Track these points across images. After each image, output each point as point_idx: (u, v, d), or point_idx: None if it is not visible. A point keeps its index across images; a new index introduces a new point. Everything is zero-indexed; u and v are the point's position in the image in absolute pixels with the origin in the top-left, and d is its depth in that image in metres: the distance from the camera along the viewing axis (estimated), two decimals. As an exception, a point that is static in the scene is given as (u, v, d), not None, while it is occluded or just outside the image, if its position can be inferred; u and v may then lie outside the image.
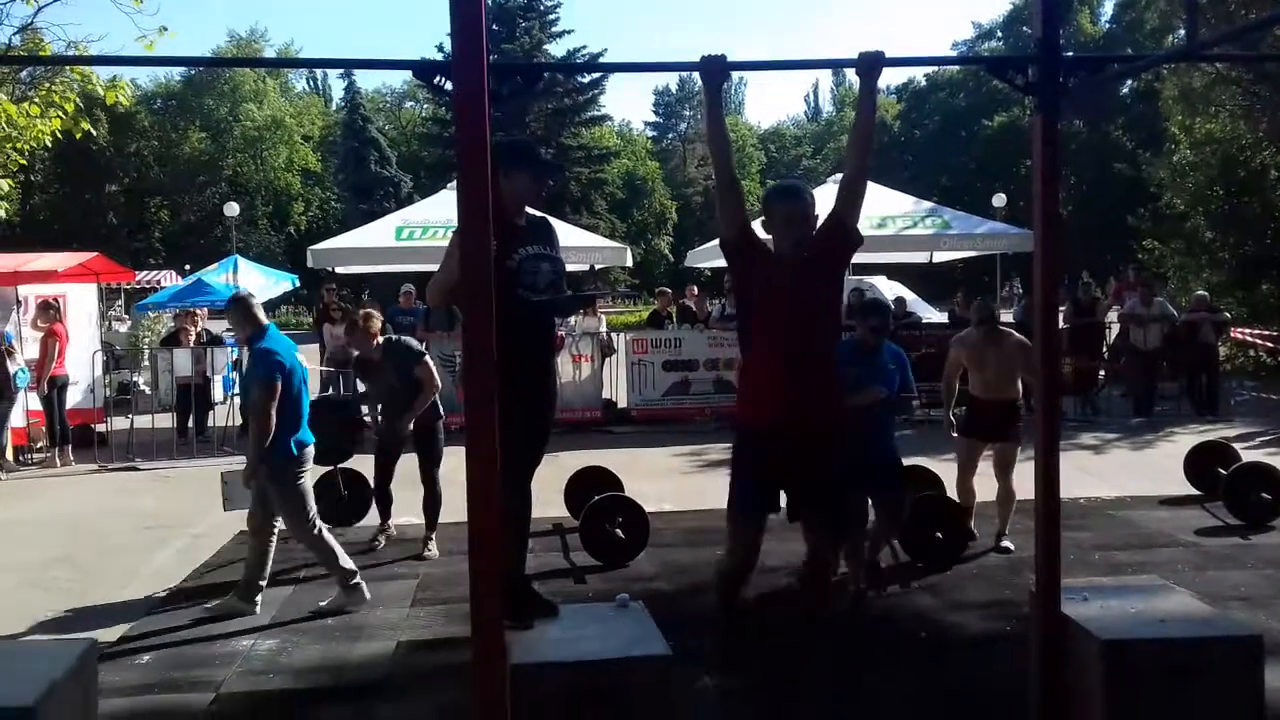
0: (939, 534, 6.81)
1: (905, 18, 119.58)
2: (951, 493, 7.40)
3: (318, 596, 6.31)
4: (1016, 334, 7.37)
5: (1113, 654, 3.72)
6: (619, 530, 6.96)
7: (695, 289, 17.25)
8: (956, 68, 58.71)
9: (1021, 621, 4.93)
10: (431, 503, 7.49)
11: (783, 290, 4.12)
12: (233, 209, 32.54)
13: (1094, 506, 8.43)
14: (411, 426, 7.42)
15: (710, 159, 4.55)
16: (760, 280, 4.20)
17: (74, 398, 12.44)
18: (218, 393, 14.38)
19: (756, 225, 4.32)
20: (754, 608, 4.75)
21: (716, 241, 19.28)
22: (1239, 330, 17.51)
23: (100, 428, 12.86)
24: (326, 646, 5.59)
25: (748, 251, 4.25)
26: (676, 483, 9.97)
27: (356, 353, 7.62)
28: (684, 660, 4.17)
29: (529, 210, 4.42)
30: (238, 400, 13.87)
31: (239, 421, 13.38)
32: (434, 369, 7.55)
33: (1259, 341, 17.39)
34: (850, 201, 4.26)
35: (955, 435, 7.36)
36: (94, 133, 22.56)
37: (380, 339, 7.58)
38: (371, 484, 7.81)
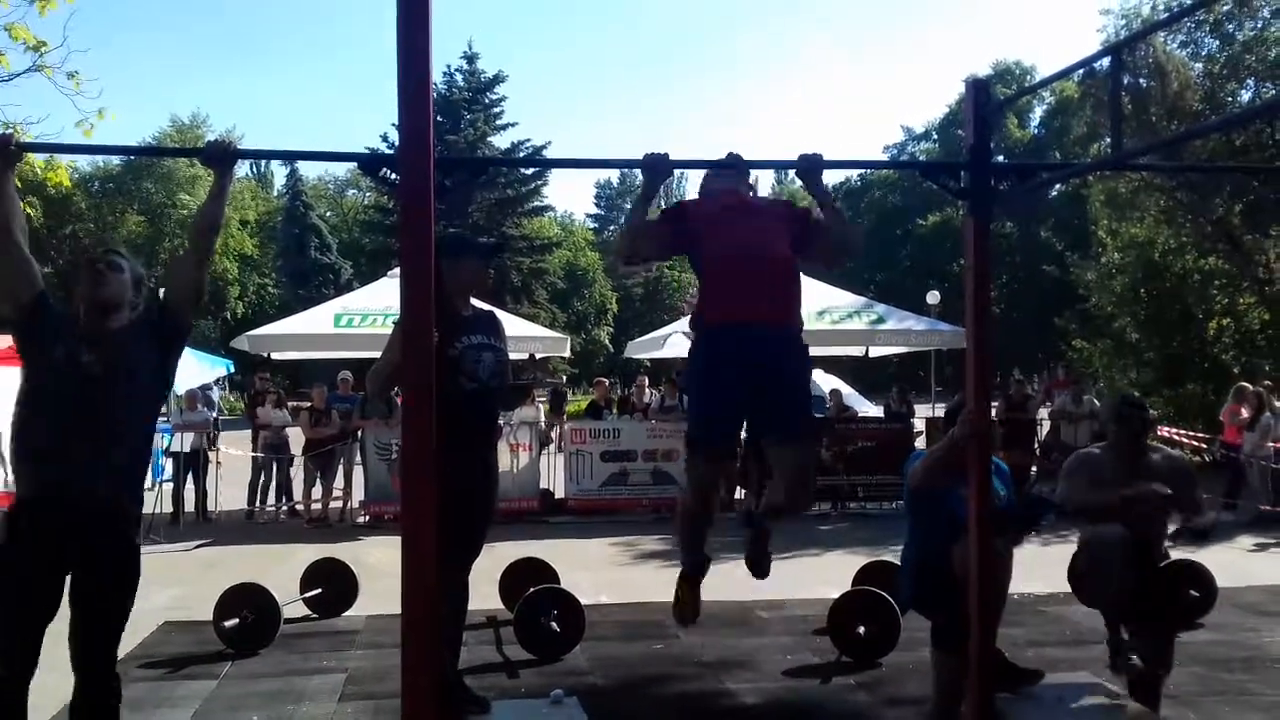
0: (861, 629, 6.67)
1: (839, 118, 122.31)
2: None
3: (242, 691, 6.14)
4: (1167, 449, 5.49)
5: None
6: (554, 623, 6.86)
7: (646, 379, 17.00)
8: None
9: None
10: None
11: (728, 214, 4.02)
12: (169, 293, 32.09)
13: (1026, 602, 8.48)
14: None
15: (619, 248, 4.43)
16: (702, 217, 4.10)
17: (-7, 485, 12.06)
18: (146, 479, 14.06)
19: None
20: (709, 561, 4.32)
21: (655, 334, 19.12)
22: (1165, 429, 17.87)
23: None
24: (250, 743, 5.43)
25: (680, 218, 4.13)
26: (612, 574, 9.89)
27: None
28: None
29: (475, 303, 4.45)
30: (168, 487, 13.62)
31: (168, 509, 13.14)
32: None
33: (1185, 440, 17.75)
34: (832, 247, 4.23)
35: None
36: (31, 214, 22.25)
37: None
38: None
